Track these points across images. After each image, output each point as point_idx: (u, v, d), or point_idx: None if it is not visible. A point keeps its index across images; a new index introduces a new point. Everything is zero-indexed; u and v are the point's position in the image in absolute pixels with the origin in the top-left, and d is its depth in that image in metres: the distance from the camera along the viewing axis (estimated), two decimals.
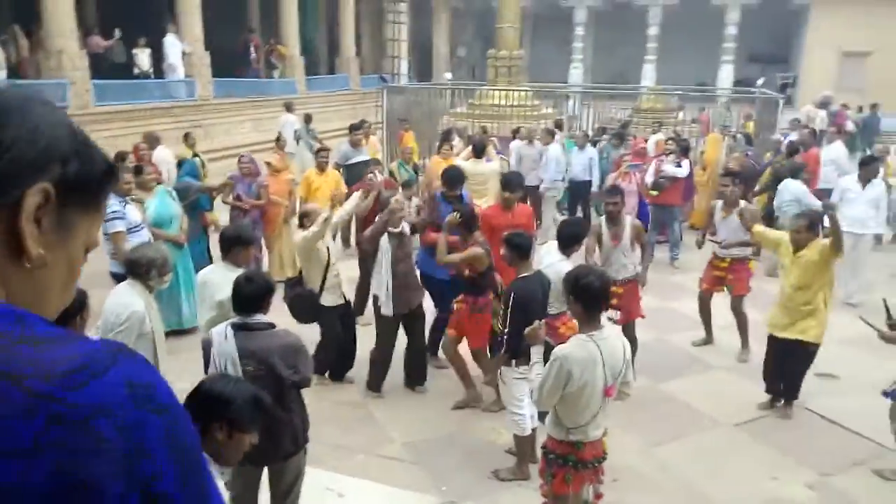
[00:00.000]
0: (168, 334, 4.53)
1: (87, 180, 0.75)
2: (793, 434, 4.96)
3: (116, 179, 0.83)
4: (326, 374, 5.45)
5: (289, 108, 14.52)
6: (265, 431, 2.97)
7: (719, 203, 6.36)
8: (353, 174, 8.46)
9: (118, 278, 4.46)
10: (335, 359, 5.38)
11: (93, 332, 3.73)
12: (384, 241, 5.04)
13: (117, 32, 14.65)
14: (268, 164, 7.94)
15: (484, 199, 7.83)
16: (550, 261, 4.60)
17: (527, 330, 3.42)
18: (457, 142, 9.62)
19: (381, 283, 5.03)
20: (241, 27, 19.99)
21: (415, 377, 5.47)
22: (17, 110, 0.70)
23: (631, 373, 3.22)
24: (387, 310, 5.07)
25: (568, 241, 4.68)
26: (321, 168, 7.66)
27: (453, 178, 5.75)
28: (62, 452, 0.59)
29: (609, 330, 3.13)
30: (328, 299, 5.17)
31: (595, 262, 5.38)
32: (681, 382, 5.79)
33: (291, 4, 18.61)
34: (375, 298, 5.21)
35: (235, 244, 3.91)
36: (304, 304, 5.04)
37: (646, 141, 10.77)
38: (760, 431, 5.00)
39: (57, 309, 0.77)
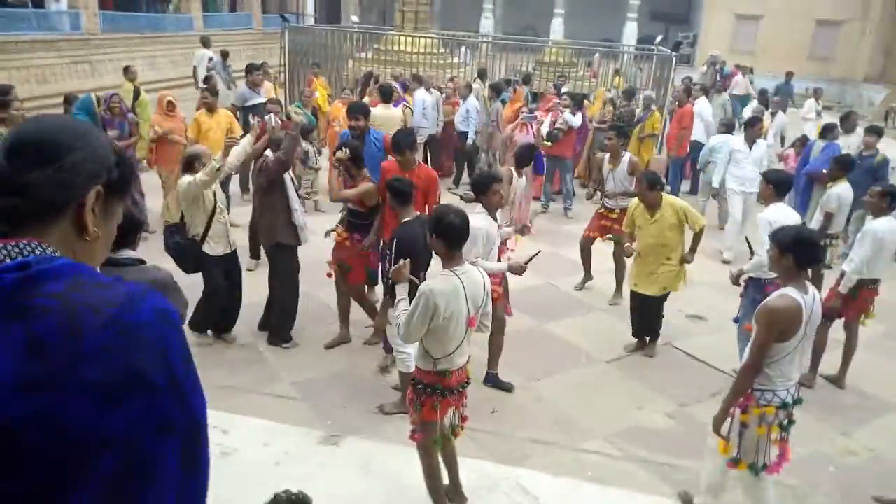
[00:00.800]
0: None
1: (123, 180, 1.15)
2: (659, 370, 5.38)
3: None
4: (209, 333, 5.30)
5: (205, 43, 14.05)
6: None
7: (606, 156, 6.65)
8: (248, 116, 8.24)
9: None
10: (219, 312, 5.24)
11: None
12: (288, 172, 5.07)
13: None
14: (170, 102, 7.61)
15: None
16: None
17: (391, 269, 3.52)
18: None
19: (299, 212, 5.11)
20: None
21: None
22: (83, 137, 1.10)
23: (490, 305, 3.43)
24: (303, 240, 5.17)
25: (474, 191, 4.54)
26: (210, 109, 7.40)
27: (355, 107, 5.75)
28: (127, 351, 0.94)
29: (469, 265, 3.30)
30: (212, 248, 5.00)
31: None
32: (563, 323, 6.11)
33: None
34: (283, 237, 5.13)
35: None
36: (187, 254, 4.84)
37: (557, 94, 10.77)
38: (630, 367, 5.39)
39: (100, 262, 1.19)
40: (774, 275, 4.49)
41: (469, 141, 9.93)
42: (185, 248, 4.85)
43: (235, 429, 4.20)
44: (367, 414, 4.48)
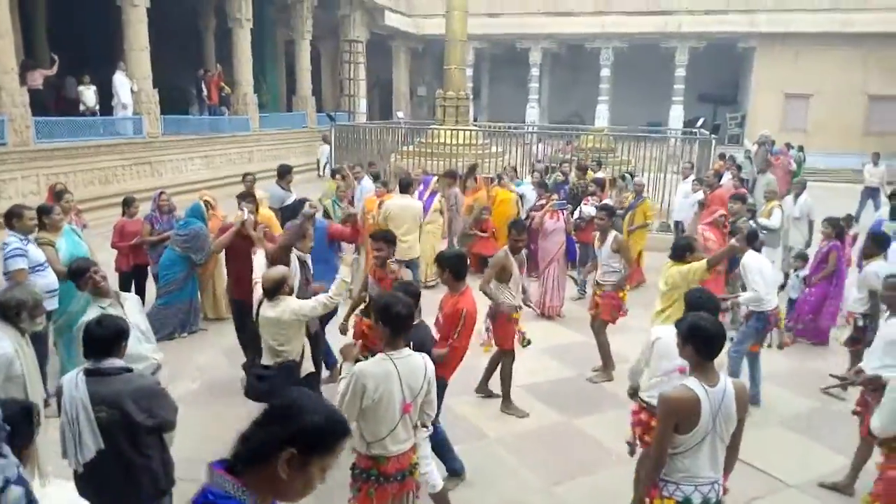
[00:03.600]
0: None
1: (324, 447, 1.57)
2: None
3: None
4: None
5: (325, 139, 16.47)
6: (122, 476, 2.93)
7: (596, 234, 6.81)
8: (287, 216, 8.42)
9: None
10: None
11: None
12: (295, 264, 5.12)
13: (56, 59, 14.49)
14: (207, 202, 7.90)
15: (407, 235, 7.92)
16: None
17: (342, 347, 3.49)
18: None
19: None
20: (195, 66, 20.04)
21: None
22: (295, 414, 1.58)
23: (434, 393, 3.36)
24: None
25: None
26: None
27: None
28: None
29: (409, 351, 3.28)
30: (307, 366, 4.72)
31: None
32: (594, 418, 5.81)
33: (245, 42, 18.73)
34: None
35: (73, 278, 4.27)
36: (285, 384, 4.29)
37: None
38: None
39: (296, 500, 1.61)
40: (773, 305, 5.69)
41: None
42: (291, 375, 4.45)
43: None
44: None
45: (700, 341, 2.97)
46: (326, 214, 8.75)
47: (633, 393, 4.26)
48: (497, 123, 18.77)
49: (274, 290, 4.35)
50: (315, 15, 21.97)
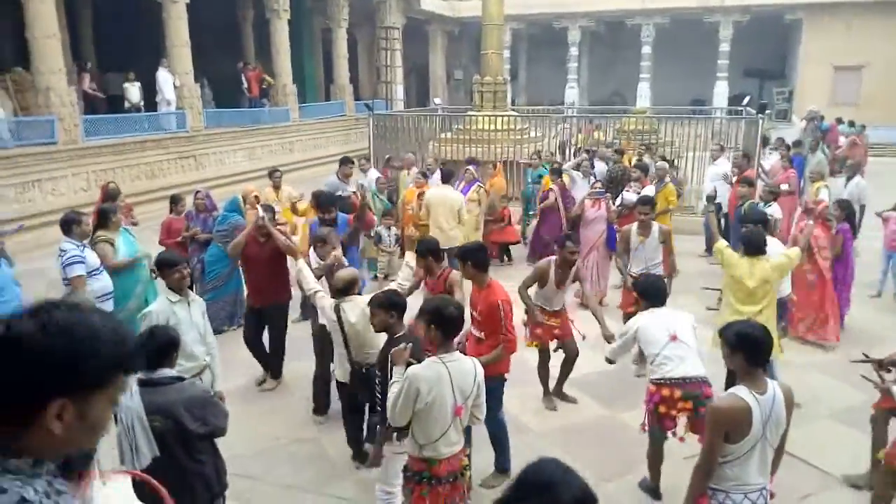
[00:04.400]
0: None
1: None
2: None
3: None
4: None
5: None
6: (176, 482, 3.02)
7: (634, 227, 6.61)
8: (342, 207, 8.52)
9: None
10: None
11: None
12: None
13: (105, 98, 14.97)
14: (256, 196, 8.04)
15: (452, 227, 7.93)
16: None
17: (392, 350, 3.43)
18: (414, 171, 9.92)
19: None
20: (236, 59, 20.28)
21: None
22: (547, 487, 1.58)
23: (483, 396, 3.38)
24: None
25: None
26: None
27: (326, 200, 6.70)
28: None
29: (459, 354, 3.31)
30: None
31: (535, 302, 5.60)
32: (639, 412, 5.72)
33: (283, 33, 18.87)
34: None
35: (160, 267, 4.31)
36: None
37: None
38: None
39: None
40: (789, 291, 5.58)
41: None
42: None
43: None
44: None
45: (749, 349, 2.93)
46: (367, 207, 8.81)
47: (611, 362, 4.93)
48: (536, 106, 18.55)
49: (346, 289, 4.56)
50: (351, 2, 22.00)
